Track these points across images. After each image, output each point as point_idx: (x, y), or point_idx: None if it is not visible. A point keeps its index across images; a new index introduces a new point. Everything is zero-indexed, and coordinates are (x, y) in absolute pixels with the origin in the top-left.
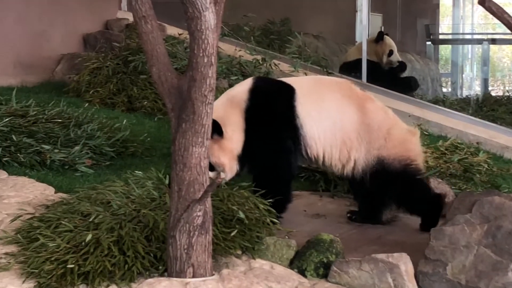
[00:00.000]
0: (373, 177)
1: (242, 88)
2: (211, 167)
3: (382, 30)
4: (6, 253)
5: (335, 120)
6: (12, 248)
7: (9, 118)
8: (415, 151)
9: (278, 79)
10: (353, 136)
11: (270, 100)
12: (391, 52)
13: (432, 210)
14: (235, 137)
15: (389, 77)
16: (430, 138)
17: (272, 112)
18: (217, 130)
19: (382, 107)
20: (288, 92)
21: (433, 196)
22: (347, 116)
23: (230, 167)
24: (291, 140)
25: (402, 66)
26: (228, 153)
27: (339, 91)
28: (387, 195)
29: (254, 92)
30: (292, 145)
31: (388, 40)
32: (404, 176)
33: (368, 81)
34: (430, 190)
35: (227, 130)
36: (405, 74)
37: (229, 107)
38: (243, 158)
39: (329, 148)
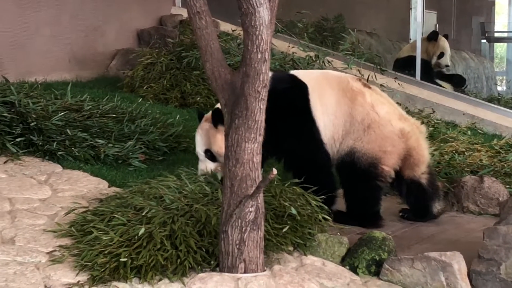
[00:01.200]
0: (341, 166)
1: None
2: (213, 157)
3: (437, 29)
4: (60, 246)
5: (332, 114)
6: (66, 241)
7: (64, 112)
8: (392, 153)
9: (290, 72)
10: (341, 128)
11: (288, 94)
12: (441, 54)
13: (361, 220)
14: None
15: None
16: (484, 137)
17: (293, 105)
18: (220, 119)
19: (371, 103)
20: (302, 85)
21: (374, 212)
22: (340, 109)
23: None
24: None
25: (460, 80)
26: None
27: (336, 86)
28: (342, 185)
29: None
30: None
31: (442, 41)
32: (363, 174)
33: (421, 78)
34: (377, 201)
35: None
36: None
37: None
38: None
39: (332, 141)
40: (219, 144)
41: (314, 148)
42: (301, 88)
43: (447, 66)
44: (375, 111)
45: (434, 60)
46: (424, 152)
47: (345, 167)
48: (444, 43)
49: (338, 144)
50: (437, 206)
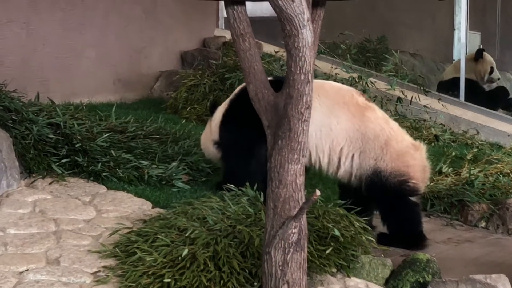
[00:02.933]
0: (368, 188)
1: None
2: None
3: (481, 47)
4: (104, 267)
5: (322, 126)
6: (111, 262)
7: (109, 133)
8: (415, 167)
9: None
10: (343, 143)
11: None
12: (491, 70)
13: (406, 241)
14: (216, 122)
15: (487, 95)
16: None
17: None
18: (210, 110)
19: (384, 118)
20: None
21: (418, 232)
22: (337, 123)
23: (205, 146)
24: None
25: (504, 92)
26: (208, 131)
27: (333, 98)
28: (379, 208)
29: (240, 91)
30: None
31: (488, 57)
32: (397, 193)
33: (466, 100)
34: (419, 220)
35: (216, 114)
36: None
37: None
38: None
39: (315, 152)
40: (204, 131)
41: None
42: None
43: (499, 79)
44: (390, 127)
45: (486, 77)
46: (429, 165)
47: (376, 189)
48: (490, 58)
49: (342, 160)
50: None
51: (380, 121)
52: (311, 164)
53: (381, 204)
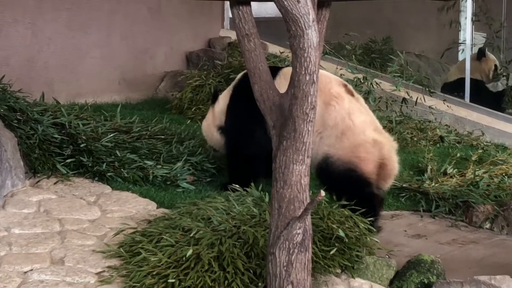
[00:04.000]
0: (319, 172)
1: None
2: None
3: (486, 50)
4: (109, 267)
5: None
6: (115, 262)
7: (114, 134)
8: (367, 160)
9: (280, 67)
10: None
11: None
12: (496, 67)
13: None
14: (220, 110)
15: (493, 95)
16: None
17: (244, 95)
18: (213, 98)
19: (349, 110)
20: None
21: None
22: None
23: (208, 131)
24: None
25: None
26: (211, 118)
27: None
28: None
29: (244, 74)
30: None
31: (491, 55)
32: (343, 181)
33: (472, 100)
34: (368, 211)
35: (219, 102)
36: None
37: (230, 87)
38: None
39: None
40: (206, 119)
41: (257, 134)
42: None
43: (504, 75)
44: (350, 119)
45: (491, 75)
46: (395, 165)
47: (324, 174)
48: (493, 56)
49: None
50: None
51: (343, 112)
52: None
53: (330, 189)
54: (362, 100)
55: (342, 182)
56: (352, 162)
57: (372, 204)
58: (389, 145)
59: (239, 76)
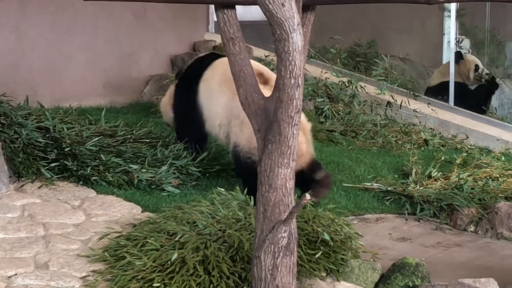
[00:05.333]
0: (232, 159)
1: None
2: None
3: (470, 52)
4: (93, 271)
5: (214, 99)
6: (100, 266)
7: (98, 137)
8: None
9: (222, 54)
10: (222, 116)
11: (193, 69)
12: (476, 67)
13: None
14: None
15: (477, 95)
16: None
17: (188, 80)
18: (175, 77)
19: None
20: (203, 67)
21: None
22: (220, 97)
23: (165, 110)
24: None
25: (493, 84)
26: (168, 98)
27: (227, 74)
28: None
29: (194, 60)
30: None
31: (470, 56)
32: (249, 168)
33: (455, 103)
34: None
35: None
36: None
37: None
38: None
39: (209, 123)
40: (163, 97)
41: (190, 123)
42: (198, 70)
43: (487, 74)
44: None
45: (472, 76)
46: (300, 146)
47: (234, 161)
48: (472, 58)
49: (222, 131)
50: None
51: None
52: (209, 133)
53: (238, 174)
54: None
55: (245, 169)
56: (251, 152)
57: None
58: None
59: (191, 60)
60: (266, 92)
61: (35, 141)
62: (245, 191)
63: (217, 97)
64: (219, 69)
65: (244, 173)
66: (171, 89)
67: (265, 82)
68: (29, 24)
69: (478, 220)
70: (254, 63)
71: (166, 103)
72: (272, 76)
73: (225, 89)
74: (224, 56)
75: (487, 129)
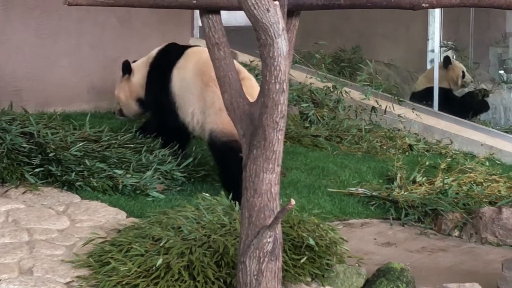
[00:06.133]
0: (209, 148)
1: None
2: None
3: (454, 57)
4: (78, 277)
5: (187, 88)
6: (84, 272)
7: (83, 143)
8: None
9: (189, 45)
10: (195, 105)
11: (161, 60)
12: (463, 74)
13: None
14: (138, 83)
15: (461, 103)
16: (502, 168)
17: (158, 72)
18: (124, 69)
19: None
20: (175, 58)
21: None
22: (194, 87)
23: (126, 104)
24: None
25: (486, 93)
26: (129, 91)
27: (200, 65)
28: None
29: (159, 51)
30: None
31: (457, 62)
32: (226, 151)
33: (440, 109)
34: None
35: (135, 75)
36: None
37: (145, 60)
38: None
39: (183, 111)
40: (121, 91)
41: (163, 113)
42: (172, 58)
43: (472, 81)
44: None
45: (460, 82)
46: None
47: (211, 147)
48: (459, 64)
49: (197, 122)
50: None
51: (219, 92)
52: (182, 121)
53: (216, 160)
54: (250, 81)
55: (225, 152)
56: (232, 134)
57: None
58: None
59: (154, 52)
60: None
61: (19, 146)
62: (227, 182)
63: (191, 86)
64: (193, 58)
65: (223, 159)
66: (132, 82)
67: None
68: (13, 29)
69: (462, 225)
70: None
71: (128, 98)
72: (241, 68)
73: (199, 78)
74: (194, 46)
75: (471, 134)
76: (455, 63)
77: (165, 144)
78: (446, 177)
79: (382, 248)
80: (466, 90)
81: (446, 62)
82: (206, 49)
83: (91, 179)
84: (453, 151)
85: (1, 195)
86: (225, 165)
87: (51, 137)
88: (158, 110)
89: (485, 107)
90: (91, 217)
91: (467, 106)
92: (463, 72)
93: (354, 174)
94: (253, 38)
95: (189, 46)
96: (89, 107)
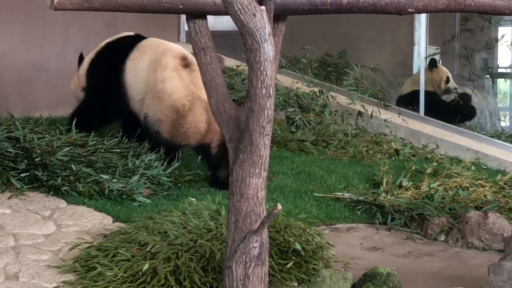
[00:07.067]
0: (144, 131)
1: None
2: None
3: (440, 62)
4: (64, 282)
5: (141, 79)
6: (70, 277)
7: (69, 148)
8: (167, 119)
9: (143, 38)
10: (146, 94)
11: (111, 50)
12: (447, 79)
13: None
14: (83, 71)
15: (447, 107)
16: (488, 172)
17: (106, 60)
18: (78, 61)
19: (165, 77)
20: (129, 48)
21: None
22: (148, 77)
23: (75, 92)
24: (116, 87)
25: (467, 98)
26: (77, 80)
27: (155, 56)
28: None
29: (108, 43)
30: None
31: (443, 67)
32: (155, 139)
33: (426, 112)
34: (174, 153)
35: (83, 64)
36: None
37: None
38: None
39: (134, 101)
40: (73, 80)
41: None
42: (123, 49)
43: (456, 88)
44: (164, 85)
45: (443, 86)
46: (198, 125)
47: (146, 132)
48: (445, 68)
49: (142, 108)
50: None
51: (161, 79)
52: (133, 111)
53: (149, 144)
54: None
55: (153, 139)
56: (159, 120)
57: (174, 154)
58: (197, 109)
59: (103, 43)
60: (184, 74)
61: (5, 151)
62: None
63: (143, 76)
64: (148, 50)
65: (153, 142)
66: (79, 73)
67: (186, 65)
68: None
69: (448, 230)
70: (178, 47)
71: (76, 87)
72: (194, 61)
73: (152, 69)
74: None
75: (457, 139)
76: (440, 67)
77: (85, 128)
78: (432, 182)
79: (369, 252)
80: (451, 97)
81: (432, 64)
82: (162, 41)
83: (77, 184)
84: (439, 156)
85: None
86: (154, 149)
87: (37, 141)
88: (94, 97)
89: (472, 113)
90: (77, 222)
91: (454, 111)
92: (447, 77)
93: (340, 179)
94: (240, 42)
95: (142, 38)
96: None
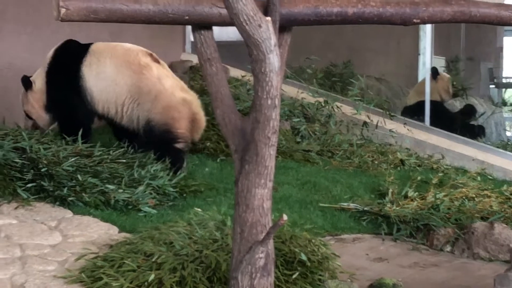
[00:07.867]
0: (144, 134)
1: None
2: (29, 116)
3: (444, 71)
4: None
5: (111, 81)
6: (76, 287)
7: (75, 158)
8: (180, 119)
9: (89, 43)
10: (125, 95)
11: (62, 60)
12: (453, 83)
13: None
14: (40, 90)
15: (455, 119)
16: (494, 183)
17: (61, 70)
18: (25, 84)
19: (159, 76)
20: (80, 54)
21: (177, 166)
22: (122, 79)
23: (37, 115)
24: (77, 95)
25: (471, 110)
26: (35, 103)
27: (121, 57)
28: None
29: (55, 52)
30: (77, 99)
31: (444, 73)
32: (163, 140)
33: (432, 123)
34: (180, 164)
35: (36, 84)
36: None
37: (42, 67)
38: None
39: (106, 104)
40: (28, 103)
41: (74, 104)
42: (74, 56)
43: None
44: (161, 83)
45: (451, 90)
46: (203, 118)
47: (148, 135)
48: (447, 74)
49: (124, 110)
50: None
51: (154, 78)
52: (102, 114)
53: (152, 147)
54: (166, 66)
55: (161, 141)
56: (169, 123)
57: (182, 158)
58: (196, 102)
59: (50, 53)
60: (165, 70)
61: (12, 161)
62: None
63: (116, 79)
64: (105, 53)
65: (161, 145)
66: (36, 93)
67: (157, 60)
68: (5, 44)
69: (454, 240)
70: (133, 45)
71: (38, 110)
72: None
73: (126, 70)
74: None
75: (463, 149)
76: (442, 74)
77: (69, 136)
78: (438, 192)
79: (374, 263)
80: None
81: (434, 74)
82: (113, 44)
83: (83, 194)
84: (445, 166)
85: None
86: (161, 151)
87: (43, 152)
88: (63, 108)
89: (480, 131)
90: (83, 232)
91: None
92: (452, 81)
93: (345, 189)
94: (245, 53)
95: (89, 44)
96: None
